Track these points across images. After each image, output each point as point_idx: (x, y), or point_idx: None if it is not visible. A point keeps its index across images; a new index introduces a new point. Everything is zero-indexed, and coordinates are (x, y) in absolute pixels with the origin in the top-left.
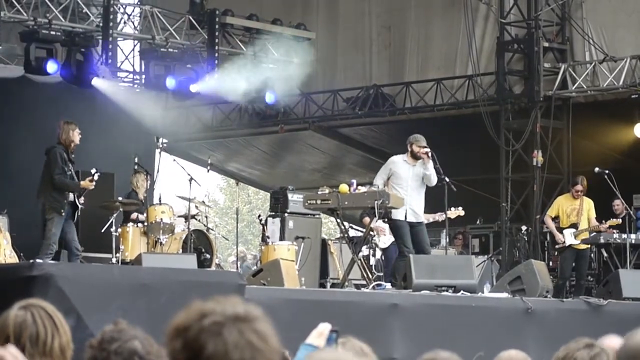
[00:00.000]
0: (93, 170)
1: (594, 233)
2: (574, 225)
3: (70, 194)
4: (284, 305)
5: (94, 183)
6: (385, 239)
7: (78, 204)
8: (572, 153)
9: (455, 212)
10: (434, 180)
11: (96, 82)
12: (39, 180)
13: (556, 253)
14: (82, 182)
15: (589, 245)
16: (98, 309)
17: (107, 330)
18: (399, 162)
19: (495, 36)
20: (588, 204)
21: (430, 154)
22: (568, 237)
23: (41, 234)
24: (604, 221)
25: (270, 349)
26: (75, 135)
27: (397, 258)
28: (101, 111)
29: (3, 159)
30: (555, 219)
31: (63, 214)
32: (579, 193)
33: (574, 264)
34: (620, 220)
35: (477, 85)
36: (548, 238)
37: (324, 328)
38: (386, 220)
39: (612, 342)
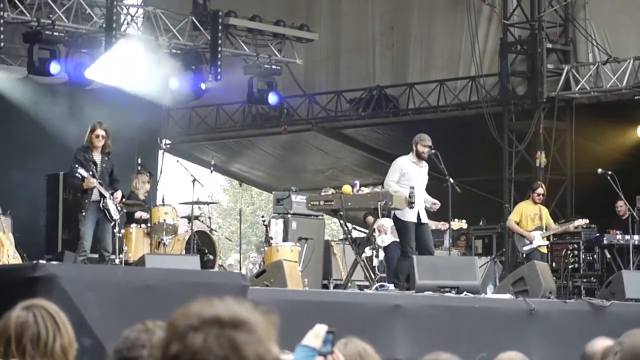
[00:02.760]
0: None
1: (597, 234)
2: (539, 228)
3: (95, 192)
4: (287, 306)
5: (94, 180)
6: (386, 238)
7: (101, 206)
8: (575, 154)
9: (459, 224)
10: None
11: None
12: None
13: (523, 255)
14: (84, 182)
15: (546, 250)
16: (101, 310)
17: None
18: (407, 163)
19: (498, 37)
20: (545, 211)
21: (435, 154)
22: (538, 239)
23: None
24: (572, 221)
25: (263, 346)
26: (94, 138)
27: (399, 258)
28: (105, 112)
29: (6, 159)
30: (517, 224)
31: (84, 213)
32: (541, 197)
33: None
34: (587, 220)
35: (480, 87)
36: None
37: (320, 329)
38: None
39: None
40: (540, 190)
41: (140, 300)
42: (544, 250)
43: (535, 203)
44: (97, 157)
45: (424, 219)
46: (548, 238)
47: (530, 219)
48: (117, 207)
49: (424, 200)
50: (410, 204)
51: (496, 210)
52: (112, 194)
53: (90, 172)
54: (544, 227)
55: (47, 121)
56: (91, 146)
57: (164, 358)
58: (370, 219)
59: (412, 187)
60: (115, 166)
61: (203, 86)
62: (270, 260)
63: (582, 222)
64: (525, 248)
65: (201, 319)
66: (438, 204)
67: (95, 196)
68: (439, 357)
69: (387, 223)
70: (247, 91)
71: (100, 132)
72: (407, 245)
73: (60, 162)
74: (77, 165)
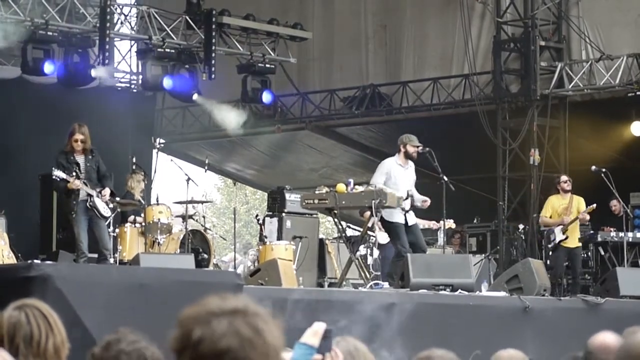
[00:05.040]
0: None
1: (591, 232)
2: (561, 223)
3: (82, 192)
4: (282, 304)
5: (77, 181)
6: (385, 235)
7: (88, 205)
8: (569, 151)
9: (447, 224)
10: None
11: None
12: None
13: (550, 253)
14: (68, 184)
15: (580, 244)
16: (96, 309)
17: (111, 335)
18: (393, 165)
19: (491, 35)
20: (578, 201)
21: (429, 152)
22: (558, 234)
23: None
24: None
25: (264, 343)
26: (72, 142)
27: (393, 258)
28: (98, 111)
29: (1, 159)
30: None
31: (74, 214)
32: (566, 184)
33: (568, 263)
34: (594, 206)
35: (473, 85)
36: (542, 238)
37: (319, 327)
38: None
39: (607, 338)
40: (564, 178)
41: (135, 299)
42: (573, 245)
43: (565, 192)
44: (79, 158)
45: (411, 220)
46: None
47: (558, 214)
48: (107, 204)
49: (413, 199)
50: (400, 206)
51: (490, 208)
52: (99, 192)
53: (74, 174)
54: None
55: (40, 121)
56: (71, 149)
57: (183, 346)
58: (367, 213)
59: (409, 190)
60: (102, 161)
61: (195, 97)
62: (264, 258)
63: (590, 208)
64: (550, 246)
65: (222, 309)
66: (428, 201)
67: (82, 196)
68: (433, 353)
69: None
70: (240, 90)
71: (79, 136)
72: (401, 245)
73: (54, 162)
74: (54, 168)
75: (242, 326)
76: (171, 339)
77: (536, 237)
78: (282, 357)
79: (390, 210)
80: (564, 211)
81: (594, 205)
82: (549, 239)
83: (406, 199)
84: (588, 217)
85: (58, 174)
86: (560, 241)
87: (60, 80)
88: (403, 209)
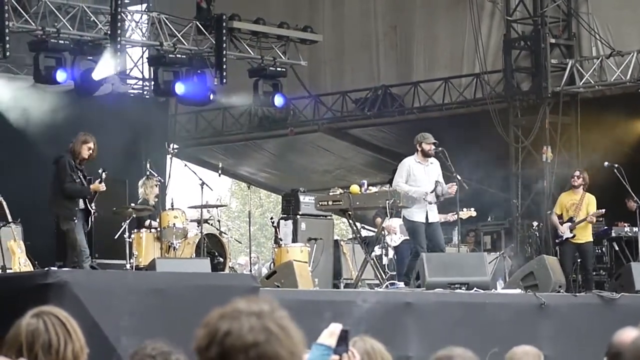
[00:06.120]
0: (100, 170)
1: (605, 227)
2: (571, 220)
3: (81, 200)
4: (299, 306)
5: (103, 184)
6: (396, 238)
7: (90, 209)
8: (581, 148)
9: (467, 213)
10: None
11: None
12: (49, 191)
13: (557, 248)
14: (91, 186)
15: (590, 239)
16: (113, 315)
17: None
18: (412, 164)
19: (501, 33)
20: (589, 199)
21: (442, 152)
22: (566, 231)
23: (57, 245)
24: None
25: (291, 340)
26: (84, 150)
27: (410, 258)
28: (111, 118)
29: (16, 168)
30: (560, 216)
31: (76, 220)
32: (575, 179)
33: (579, 260)
34: (603, 210)
35: (484, 83)
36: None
37: (335, 328)
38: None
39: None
40: (577, 173)
41: (152, 304)
42: (582, 240)
43: (576, 187)
44: (81, 166)
45: (433, 218)
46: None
47: (566, 210)
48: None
49: (440, 193)
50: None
51: (504, 206)
52: (90, 203)
53: (79, 180)
54: (579, 217)
55: (55, 129)
56: (79, 156)
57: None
58: (379, 220)
59: (437, 182)
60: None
61: (211, 96)
62: (280, 261)
63: (599, 212)
64: (557, 241)
65: (249, 308)
66: (454, 186)
67: (81, 204)
68: (452, 352)
69: (396, 223)
70: (252, 94)
71: (93, 145)
72: (418, 245)
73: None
74: (102, 168)
75: (270, 323)
76: (197, 338)
77: (550, 234)
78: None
79: (411, 209)
80: (573, 207)
81: (603, 210)
82: (556, 234)
83: (432, 192)
84: (595, 220)
85: (103, 174)
86: (567, 238)
87: (77, 88)
88: (429, 202)
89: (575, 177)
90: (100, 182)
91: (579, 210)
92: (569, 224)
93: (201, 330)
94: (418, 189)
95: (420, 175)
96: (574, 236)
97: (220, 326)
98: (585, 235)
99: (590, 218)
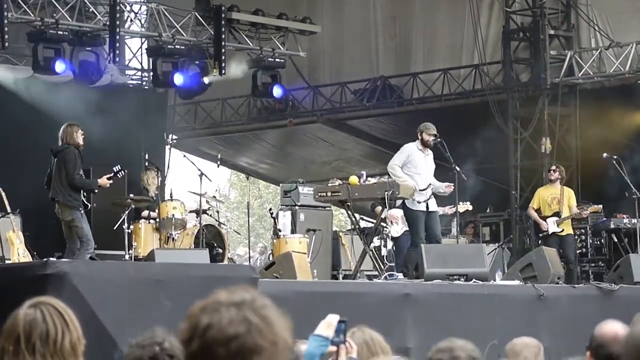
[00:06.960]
0: (116, 168)
1: (604, 218)
2: (557, 214)
3: (81, 192)
4: (297, 297)
5: (110, 181)
6: (397, 228)
7: (88, 203)
8: (580, 139)
9: (464, 207)
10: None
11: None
12: (54, 181)
13: (540, 242)
14: (99, 180)
15: (571, 232)
16: (112, 305)
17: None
18: (414, 150)
19: (500, 25)
20: (569, 193)
21: (441, 143)
22: (551, 225)
23: (60, 235)
24: (585, 208)
25: (272, 330)
26: (79, 137)
27: (408, 248)
28: (110, 109)
29: (15, 158)
30: (537, 211)
31: (82, 210)
32: (551, 173)
33: (561, 251)
34: (600, 207)
35: (483, 74)
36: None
37: (333, 319)
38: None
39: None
40: (553, 167)
41: (151, 295)
42: (564, 233)
43: (553, 182)
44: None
45: (433, 207)
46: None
47: (547, 204)
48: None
49: (434, 187)
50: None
51: (503, 197)
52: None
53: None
54: (569, 210)
55: (53, 119)
56: (79, 146)
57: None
58: (379, 208)
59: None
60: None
61: (206, 80)
62: (279, 252)
63: (596, 208)
64: (541, 234)
65: (230, 299)
66: (451, 186)
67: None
68: (453, 344)
69: (397, 213)
70: (251, 85)
71: (82, 130)
72: (417, 236)
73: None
74: (119, 166)
75: (250, 314)
76: (180, 331)
77: (532, 228)
78: (299, 348)
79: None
80: (555, 202)
81: (600, 206)
82: (538, 229)
83: (426, 189)
84: (585, 214)
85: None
86: (554, 232)
87: (76, 78)
88: (419, 202)
89: (552, 172)
90: (109, 179)
91: (561, 204)
92: (556, 218)
93: (184, 324)
94: (408, 179)
95: (421, 163)
96: (562, 230)
97: (201, 319)
98: (566, 228)
99: (586, 214)
